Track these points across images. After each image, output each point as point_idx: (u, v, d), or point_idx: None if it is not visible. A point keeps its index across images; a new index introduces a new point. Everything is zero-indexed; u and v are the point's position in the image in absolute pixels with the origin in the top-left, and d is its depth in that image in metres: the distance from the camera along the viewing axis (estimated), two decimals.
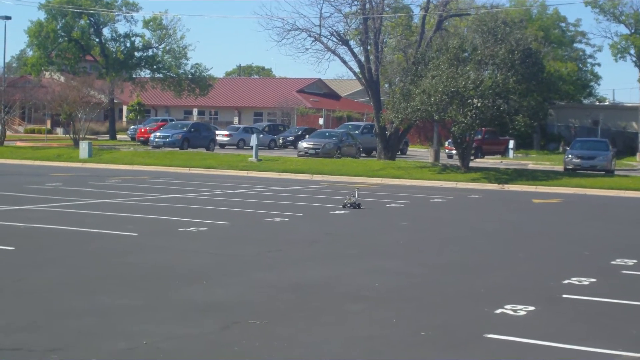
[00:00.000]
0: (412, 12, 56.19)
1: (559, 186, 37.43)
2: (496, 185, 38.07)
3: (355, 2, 48.05)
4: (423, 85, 39.85)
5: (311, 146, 52.58)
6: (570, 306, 12.41)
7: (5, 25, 71.52)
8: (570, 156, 45.06)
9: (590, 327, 11.18)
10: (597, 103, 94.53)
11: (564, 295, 13.02)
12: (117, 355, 9.35)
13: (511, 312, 11.71)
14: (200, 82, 77.39)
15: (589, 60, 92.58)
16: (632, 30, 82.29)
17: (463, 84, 38.93)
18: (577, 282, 14.08)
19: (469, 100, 39.95)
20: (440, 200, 30.35)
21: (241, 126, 72.84)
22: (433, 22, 49.23)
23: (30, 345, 9.59)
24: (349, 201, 25.90)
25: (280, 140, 67.86)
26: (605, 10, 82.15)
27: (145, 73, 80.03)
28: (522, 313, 11.70)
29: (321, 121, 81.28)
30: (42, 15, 73.91)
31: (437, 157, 49.96)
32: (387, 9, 51.02)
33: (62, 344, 9.68)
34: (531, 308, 11.96)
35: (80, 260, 15.17)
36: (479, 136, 55.49)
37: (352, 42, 50.00)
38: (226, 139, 65.00)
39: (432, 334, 10.54)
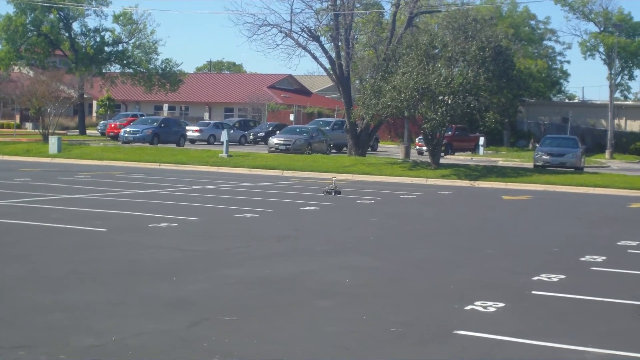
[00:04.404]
0: (383, 9, 56.25)
1: (529, 183, 37.60)
2: (466, 181, 38.19)
3: None
4: (393, 82, 39.90)
5: (282, 142, 52.52)
6: (540, 303, 12.44)
7: None
8: (539, 153, 45.30)
9: (560, 323, 11.20)
10: (567, 100, 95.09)
11: (534, 292, 13.05)
12: (86, 351, 9.27)
13: (481, 309, 11.72)
14: (171, 78, 77.11)
15: (559, 57, 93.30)
16: (602, 29, 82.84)
17: (434, 81, 39.00)
18: (546, 279, 14.12)
19: (440, 97, 40.02)
20: (411, 196, 30.39)
21: (212, 122, 72.71)
22: (404, 19, 49.31)
23: None
24: (331, 188, 28.58)
25: (251, 136, 67.81)
26: (575, 8, 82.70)
27: (115, 68, 79.69)
28: (492, 309, 11.71)
29: (292, 117, 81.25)
30: (10, 9, 73.60)
31: (407, 153, 50.06)
32: (358, 5, 51.09)
33: (29, 340, 9.58)
34: (501, 304, 11.98)
35: (48, 256, 15.05)
36: (450, 133, 55.75)
37: (323, 38, 50.12)
38: (196, 134, 64.86)
39: (402, 330, 10.53)
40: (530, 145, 72.46)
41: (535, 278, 14.17)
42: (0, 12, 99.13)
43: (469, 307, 11.76)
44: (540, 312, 11.83)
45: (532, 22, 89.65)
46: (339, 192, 28.77)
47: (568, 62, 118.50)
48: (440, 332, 10.51)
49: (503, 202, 30.20)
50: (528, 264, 15.83)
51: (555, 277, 14.28)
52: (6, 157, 46.67)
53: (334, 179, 30.28)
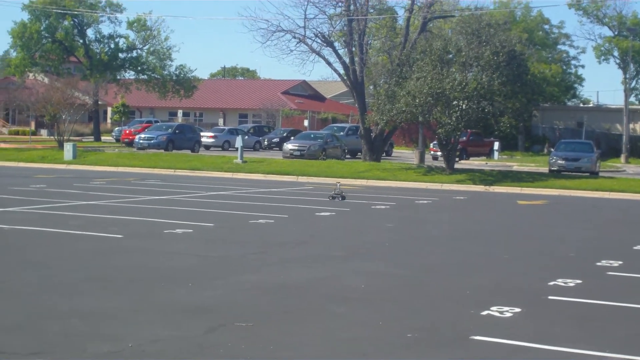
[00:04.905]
0: (397, 14, 56.27)
1: (544, 188, 37.52)
2: (481, 186, 38.12)
3: (340, 4, 48.11)
4: (408, 87, 39.88)
5: (296, 148, 52.53)
6: (557, 308, 12.41)
7: None
8: (555, 158, 45.16)
9: (577, 328, 11.17)
10: (582, 105, 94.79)
11: (550, 297, 13.01)
12: (103, 357, 9.29)
13: (497, 314, 11.69)
14: (185, 84, 77.20)
15: (573, 62, 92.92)
16: (616, 33, 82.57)
17: (448, 86, 38.96)
18: (562, 284, 14.08)
19: (454, 102, 39.97)
20: (426, 201, 30.35)
21: (226, 128, 72.73)
22: (417, 24, 49.29)
23: (14, 348, 9.51)
24: (336, 193, 28.65)
25: (266, 142, 67.80)
26: (589, 13, 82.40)
27: (129, 74, 79.83)
28: (508, 315, 11.69)
29: (306, 123, 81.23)
30: (25, 16, 73.67)
31: (422, 158, 49.97)
32: (372, 10, 51.08)
33: (46, 346, 9.61)
34: (517, 310, 11.95)
35: (63, 262, 15.09)
36: (464, 138, 55.64)
37: (336, 44, 50.07)
38: (211, 140, 64.87)
39: (418, 336, 10.51)
40: (545, 150, 72.26)
41: (552, 283, 14.13)
42: (15, 19, 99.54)
43: (485, 312, 11.74)
44: (557, 317, 11.79)
45: (546, 27, 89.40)
46: (344, 197, 28.87)
47: (582, 66, 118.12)
48: (457, 337, 10.49)
49: (518, 207, 30.13)
50: (544, 269, 15.79)
51: (571, 282, 14.24)
52: (22, 164, 46.81)
53: (338, 183, 30.33)
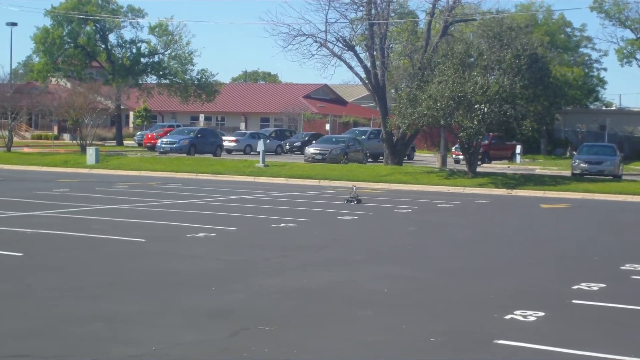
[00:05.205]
0: (418, 18, 56.15)
1: (567, 191, 37.36)
2: (504, 190, 38.01)
3: (361, 8, 48.08)
4: (429, 91, 39.82)
5: (318, 151, 52.53)
6: (581, 312, 12.36)
7: (11, 31, 72.17)
8: (577, 161, 44.98)
9: (601, 333, 11.12)
10: (604, 108, 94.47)
11: (574, 301, 12.96)
12: None
13: (521, 318, 11.65)
14: (207, 88, 77.46)
15: (595, 65, 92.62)
16: (638, 35, 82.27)
17: (470, 90, 38.87)
18: (586, 288, 14.02)
19: (476, 106, 39.89)
20: (448, 205, 30.29)
21: (248, 132, 72.85)
22: (439, 28, 49.21)
23: (38, 351, 9.55)
24: (352, 197, 29.18)
25: (287, 146, 67.84)
26: (611, 15, 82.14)
27: (151, 79, 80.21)
28: (532, 319, 11.64)
29: (328, 127, 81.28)
30: (48, 22, 74.13)
31: (444, 162, 49.91)
32: (393, 14, 51.00)
33: (70, 350, 9.65)
34: (541, 314, 11.91)
35: (87, 266, 15.13)
36: (486, 141, 55.54)
37: (358, 48, 50.02)
38: (233, 144, 64.96)
39: (441, 340, 10.49)
40: (568, 153, 71.97)
41: (575, 287, 14.07)
42: (38, 25, 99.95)
43: (508, 317, 11.70)
44: (580, 322, 11.75)
45: (568, 30, 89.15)
46: (359, 201, 29.04)
47: (605, 69, 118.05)
48: (480, 341, 10.45)
49: (541, 211, 30.03)
50: (567, 273, 15.73)
51: (595, 286, 14.17)
52: (45, 168, 47.03)
53: (354, 187, 30.52)
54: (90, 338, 10.17)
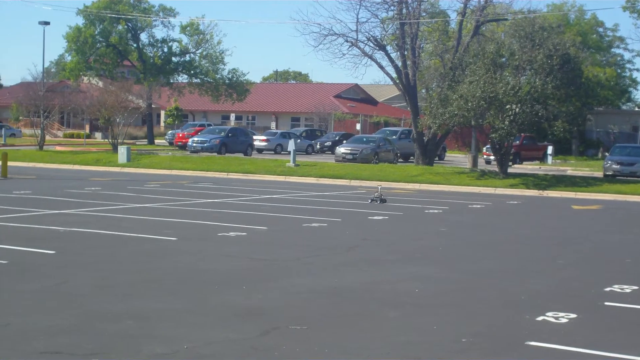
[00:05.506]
0: (449, 18, 55.97)
1: (599, 192, 37.13)
2: (535, 191, 37.84)
3: (392, 8, 48.02)
4: (460, 91, 39.70)
5: (349, 151, 52.51)
6: (613, 314, 12.29)
7: (44, 30, 72.59)
8: (609, 162, 44.73)
9: (633, 335, 11.05)
10: (637, 109, 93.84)
11: (606, 303, 12.89)
12: (157, 359, 9.35)
13: (553, 320, 11.60)
14: (238, 87, 77.63)
15: (628, 65, 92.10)
16: None
17: (502, 90, 38.72)
18: (619, 290, 13.94)
19: (507, 106, 39.72)
20: (479, 206, 30.20)
21: (279, 131, 72.91)
22: (470, 27, 49.06)
23: (71, 348, 9.61)
24: (376, 196, 29.34)
25: (318, 146, 67.87)
26: None
27: (182, 78, 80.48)
28: (564, 320, 11.59)
29: (358, 126, 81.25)
30: (80, 21, 74.62)
31: (475, 162, 49.76)
32: (424, 14, 50.89)
33: (102, 347, 9.70)
34: (573, 315, 11.85)
35: (119, 264, 15.21)
36: (517, 142, 55.28)
37: (389, 48, 49.95)
38: (264, 144, 65.06)
39: (473, 341, 10.46)
40: (600, 154, 71.61)
41: (608, 289, 13.99)
42: (70, 24, 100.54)
43: (540, 318, 11.65)
44: (613, 324, 11.68)
45: (600, 30, 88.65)
46: (384, 201, 29.15)
47: (637, 69, 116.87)
48: (512, 342, 10.42)
49: (573, 212, 29.88)
50: (600, 275, 15.64)
51: (628, 288, 14.08)
52: (77, 167, 47.28)
53: (379, 187, 30.70)
54: (121, 335, 10.22)
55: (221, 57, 76.94)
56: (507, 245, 19.92)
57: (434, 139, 48.75)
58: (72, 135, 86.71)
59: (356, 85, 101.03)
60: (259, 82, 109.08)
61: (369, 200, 29.35)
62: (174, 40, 78.10)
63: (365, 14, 48.59)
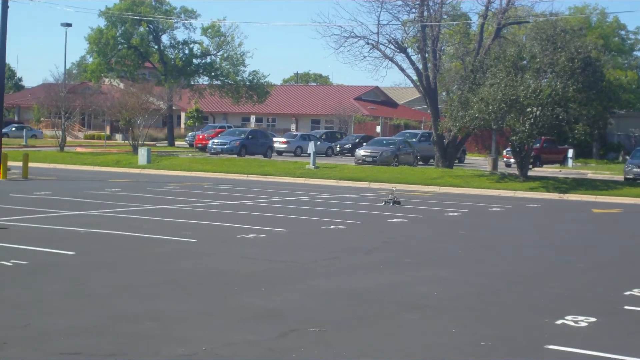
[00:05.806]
0: (470, 20, 55.89)
1: (620, 196, 36.98)
2: (555, 194, 37.71)
3: (413, 10, 47.95)
4: (481, 94, 39.61)
5: (369, 154, 52.50)
6: (632, 318, 12.24)
7: (66, 32, 72.77)
8: (630, 166, 44.53)
9: None
10: None
11: (626, 307, 12.84)
12: None
13: (572, 323, 11.56)
14: (258, 89, 77.66)
15: None
16: None
17: (522, 93, 38.61)
18: (638, 294, 13.88)
19: (528, 109, 39.60)
20: (499, 209, 30.12)
21: (298, 133, 72.90)
22: (491, 30, 48.96)
23: (90, 349, 9.65)
24: (390, 198, 29.42)
25: (338, 148, 67.82)
26: None
27: (203, 80, 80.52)
28: (583, 324, 11.55)
29: (378, 129, 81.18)
30: (102, 23, 74.67)
31: (495, 165, 49.64)
32: (445, 16, 50.81)
33: (121, 348, 9.73)
34: (592, 319, 11.81)
35: (138, 265, 15.26)
36: (538, 145, 55.08)
37: (409, 50, 49.89)
38: (283, 146, 65.07)
39: (492, 344, 10.44)
40: (621, 158, 71.26)
41: (627, 293, 13.94)
42: (92, 26, 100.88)
43: (559, 322, 11.62)
44: (632, 328, 11.63)
45: (622, 33, 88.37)
46: (398, 203, 29.20)
47: None
48: (531, 346, 10.39)
49: (593, 215, 29.77)
50: (620, 279, 15.58)
51: None
52: (97, 168, 47.45)
53: (394, 189, 30.73)
54: (140, 337, 10.25)
55: (242, 59, 76.99)
56: (526, 248, 19.87)
57: (454, 141, 48.67)
58: (92, 137, 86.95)
59: (376, 87, 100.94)
60: (279, 84, 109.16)
61: (383, 203, 29.41)
62: (195, 42, 78.23)
63: (387, 16, 48.41)
